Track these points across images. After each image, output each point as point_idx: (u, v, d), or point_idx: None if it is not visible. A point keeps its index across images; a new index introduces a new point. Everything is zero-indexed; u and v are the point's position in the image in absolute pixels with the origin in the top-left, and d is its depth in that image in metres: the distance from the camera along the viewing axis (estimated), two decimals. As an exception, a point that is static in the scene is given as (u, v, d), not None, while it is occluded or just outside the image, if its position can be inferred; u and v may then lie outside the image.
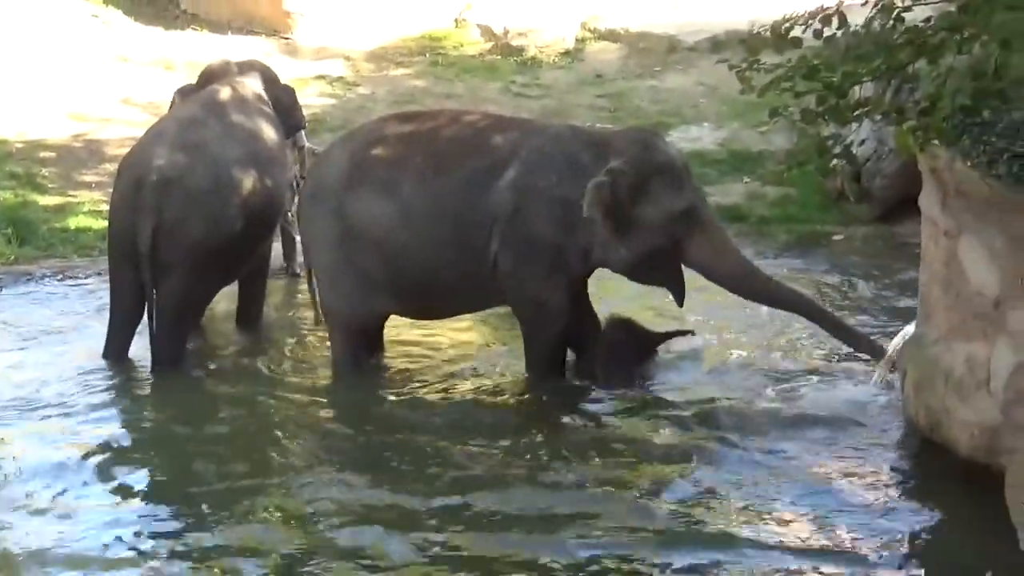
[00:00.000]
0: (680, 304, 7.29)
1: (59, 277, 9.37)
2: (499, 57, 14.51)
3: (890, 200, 10.12)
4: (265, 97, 8.29)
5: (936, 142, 5.19)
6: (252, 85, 8.31)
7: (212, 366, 7.87)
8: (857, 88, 5.20)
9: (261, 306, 8.40)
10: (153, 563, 5.56)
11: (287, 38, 14.64)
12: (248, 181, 7.72)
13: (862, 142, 10.03)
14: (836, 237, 10.11)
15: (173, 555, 5.63)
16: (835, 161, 5.27)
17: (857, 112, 5.13)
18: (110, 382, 7.55)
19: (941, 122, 4.89)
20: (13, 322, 8.49)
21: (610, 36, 14.90)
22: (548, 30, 14.66)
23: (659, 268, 7.17)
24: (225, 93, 8.12)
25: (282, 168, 8.10)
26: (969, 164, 5.86)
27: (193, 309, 7.86)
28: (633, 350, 7.41)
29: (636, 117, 12.33)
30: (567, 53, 14.63)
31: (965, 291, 6.08)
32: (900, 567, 5.47)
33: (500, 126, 7.36)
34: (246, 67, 8.56)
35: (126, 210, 7.59)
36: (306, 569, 5.47)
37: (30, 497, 6.13)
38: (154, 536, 5.82)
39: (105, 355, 7.75)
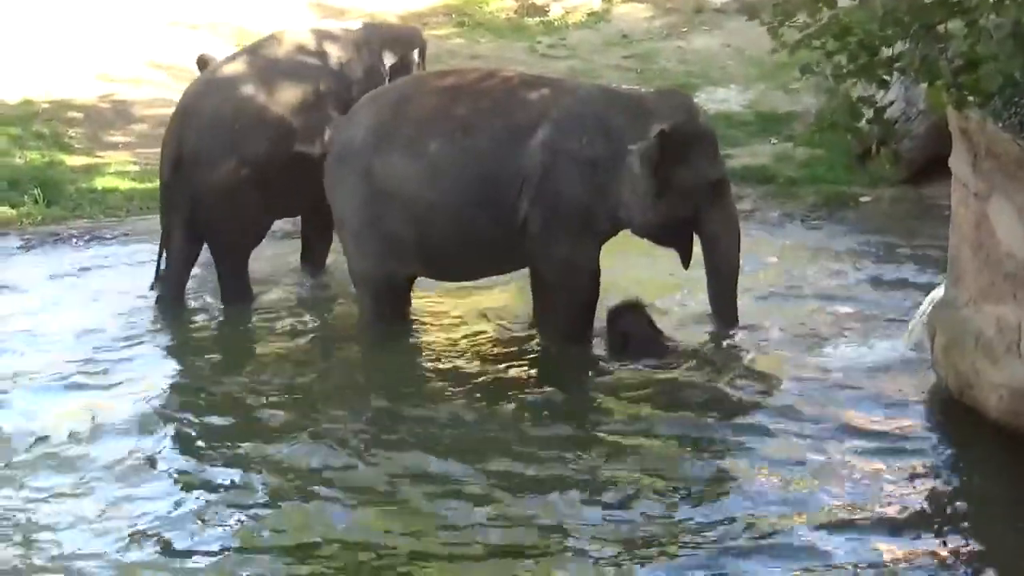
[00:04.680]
0: (686, 267, 7.37)
1: (86, 238, 9.39)
2: (525, 18, 14.46)
3: (918, 161, 10.05)
4: (321, 49, 8.23)
5: (971, 99, 5.14)
6: (304, 36, 8.31)
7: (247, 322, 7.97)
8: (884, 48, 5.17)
9: (324, 253, 8.46)
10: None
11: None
12: (270, 116, 7.81)
13: (891, 103, 9.95)
14: (864, 199, 10.06)
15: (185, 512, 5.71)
16: (864, 124, 5.23)
17: (889, 69, 5.08)
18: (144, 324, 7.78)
19: (977, 83, 4.84)
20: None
21: (637, -4, 14.85)
22: (575, -9, 14.63)
23: (677, 232, 7.24)
24: (270, 41, 8.29)
25: (313, 112, 8.01)
26: (1000, 125, 5.82)
27: (237, 244, 7.97)
28: (648, 328, 7.33)
29: (662, 78, 12.27)
30: (593, 14, 14.56)
31: (995, 253, 6.05)
32: (928, 529, 5.45)
33: (530, 85, 7.32)
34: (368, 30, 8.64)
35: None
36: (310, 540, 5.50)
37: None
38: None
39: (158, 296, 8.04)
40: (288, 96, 7.92)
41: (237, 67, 8.03)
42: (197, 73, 9.13)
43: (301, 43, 8.19)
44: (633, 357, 7.11)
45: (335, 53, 8.20)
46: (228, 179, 7.73)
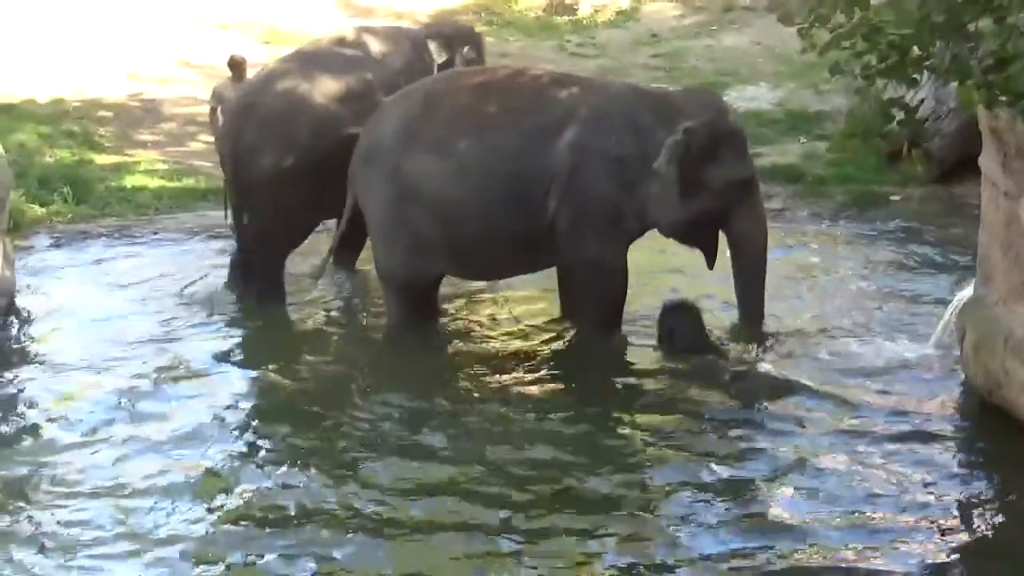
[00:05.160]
0: (711, 266, 7.34)
1: (116, 236, 9.43)
2: (554, 17, 14.47)
3: (948, 160, 10.02)
4: (374, 48, 8.31)
5: (1002, 98, 5.11)
6: (355, 36, 8.41)
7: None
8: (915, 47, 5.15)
9: (357, 251, 8.38)
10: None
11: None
12: (323, 113, 7.83)
13: (921, 102, 9.93)
14: (894, 198, 10.03)
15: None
16: (894, 126, 5.22)
17: (919, 68, 5.06)
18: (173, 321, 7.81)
19: (1007, 81, 4.82)
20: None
21: (666, -5, 14.86)
22: (604, -11, 14.64)
23: (705, 231, 7.22)
24: (323, 42, 8.44)
25: (365, 107, 7.94)
26: (1031, 124, 5.79)
27: (279, 241, 7.99)
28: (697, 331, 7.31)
29: (692, 77, 12.27)
30: (622, 12, 14.57)
31: (1026, 253, 6.02)
32: (954, 528, 5.44)
33: (560, 83, 7.31)
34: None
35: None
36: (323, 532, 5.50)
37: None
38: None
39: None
40: (340, 92, 7.92)
41: (290, 66, 8.09)
42: (227, 72, 9.20)
43: (353, 42, 8.26)
44: (675, 352, 7.13)
45: (387, 51, 8.27)
46: (278, 174, 7.73)
